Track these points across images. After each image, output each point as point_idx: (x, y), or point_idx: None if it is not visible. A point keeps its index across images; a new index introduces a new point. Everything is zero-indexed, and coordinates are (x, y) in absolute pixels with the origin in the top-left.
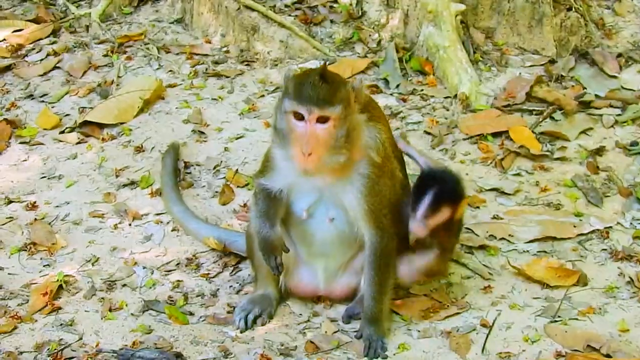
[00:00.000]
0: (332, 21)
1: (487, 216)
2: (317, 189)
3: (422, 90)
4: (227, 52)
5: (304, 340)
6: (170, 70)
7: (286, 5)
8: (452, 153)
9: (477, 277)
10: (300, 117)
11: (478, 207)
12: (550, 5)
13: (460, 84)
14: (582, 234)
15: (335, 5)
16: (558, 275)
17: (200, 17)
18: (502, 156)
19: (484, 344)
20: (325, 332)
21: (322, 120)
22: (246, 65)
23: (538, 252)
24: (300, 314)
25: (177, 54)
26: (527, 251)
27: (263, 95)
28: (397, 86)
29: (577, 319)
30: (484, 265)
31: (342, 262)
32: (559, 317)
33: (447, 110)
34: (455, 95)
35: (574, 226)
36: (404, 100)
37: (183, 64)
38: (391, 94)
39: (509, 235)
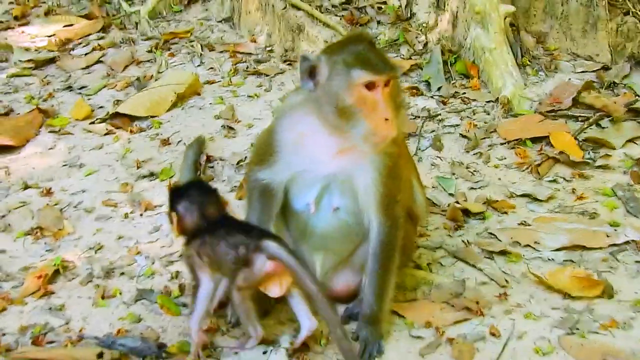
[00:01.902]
0: (379, 22)
1: (515, 222)
2: (323, 177)
3: (464, 93)
4: (271, 51)
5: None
6: (211, 68)
7: (333, 5)
8: (487, 157)
9: (493, 283)
10: (372, 85)
11: (506, 213)
12: (605, 9)
13: (503, 87)
14: (614, 245)
15: (383, 6)
16: (582, 286)
17: (248, 16)
18: (539, 162)
19: (499, 357)
20: (321, 331)
21: (387, 83)
22: (288, 64)
23: (564, 260)
24: None
25: (221, 52)
26: (552, 259)
27: None
28: (439, 89)
29: (597, 332)
30: (502, 272)
31: (342, 257)
32: (577, 329)
33: (488, 114)
34: (497, 99)
35: (607, 236)
36: (444, 103)
37: (225, 62)
38: (431, 97)
39: (535, 242)
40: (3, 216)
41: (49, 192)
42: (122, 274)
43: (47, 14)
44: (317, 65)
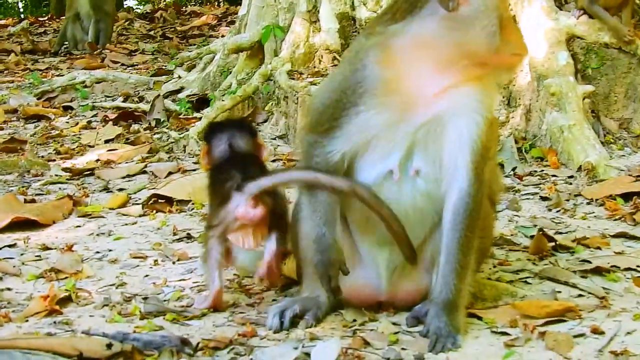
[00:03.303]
0: None
1: (611, 253)
2: (415, 128)
3: (542, 170)
4: None
5: (351, 339)
6: None
7: None
8: (572, 212)
9: (591, 296)
10: None
11: (599, 248)
12: None
13: (586, 158)
14: None
15: None
16: None
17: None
18: (633, 211)
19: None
20: (382, 332)
21: None
22: None
23: None
24: (354, 320)
25: (274, 161)
26: None
27: None
28: (514, 169)
29: None
30: (602, 287)
31: None
32: None
33: (570, 184)
34: (580, 167)
35: None
36: (520, 179)
37: (278, 166)
38: (506, 176)
39: (637, 266)
40: (14, 266)
41: (70, 249)
42: (146, 298)
43: (91, 147)
44: None
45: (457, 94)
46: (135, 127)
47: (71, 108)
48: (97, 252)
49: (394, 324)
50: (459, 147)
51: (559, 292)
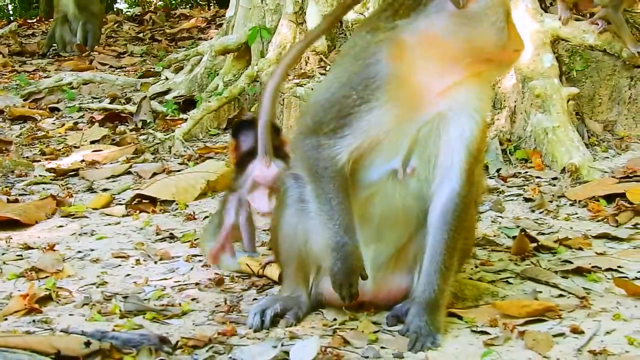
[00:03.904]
0: None
1: (592, 254)
2: (420, 125)
3: (526, 172)
4: None
5: (331, 338)
6: None
7: None
8: (555, 213)
9: (572, 296)
10: None
11: (581, 249)
12: None
13: (570, 159)
14: None
15: None
16: None
17: (289, 130)
18: (616, 213)
19: (585, 345)
20: (362, 331)
21: None
22: None
23: None
24: (335, 319)
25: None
26: None
27: None
28: (498, 170)
29: None
30: (582, 288)
31: (395, 251)
32: None
33: (554, 186)
34: (564, 169)
35: None
36: (504, 180)
37: None
38: (490, 177)
39: (618, 266)
40: None
41: (51, 248)
42: (126, 297)
43: (77, 147)
44: None
45: (460, 91)
46: (121, 128)
47: (58, 109)
48: (79, 252)
49: (374, 323)
50: (457, 145)
51: (540, 292)
